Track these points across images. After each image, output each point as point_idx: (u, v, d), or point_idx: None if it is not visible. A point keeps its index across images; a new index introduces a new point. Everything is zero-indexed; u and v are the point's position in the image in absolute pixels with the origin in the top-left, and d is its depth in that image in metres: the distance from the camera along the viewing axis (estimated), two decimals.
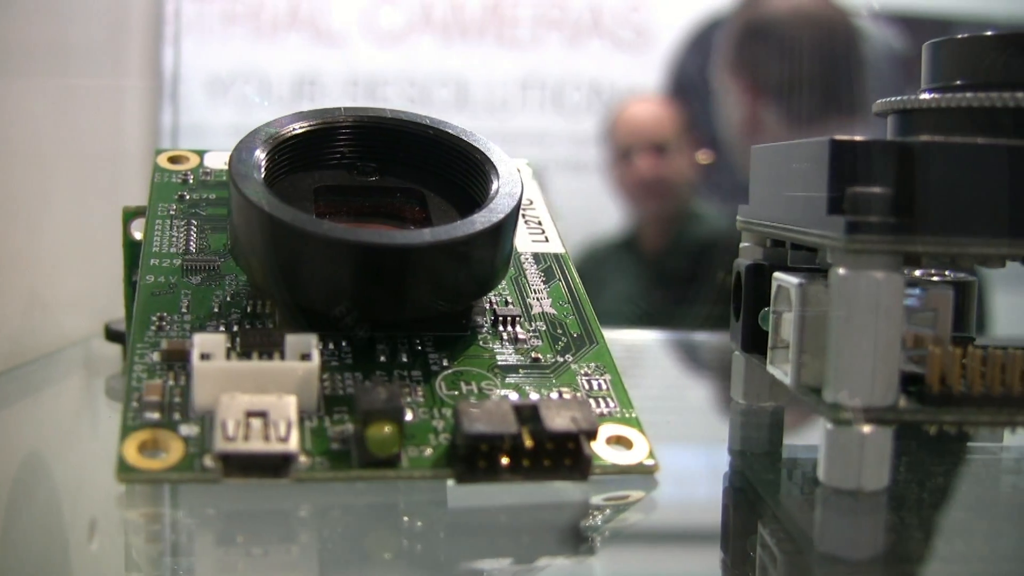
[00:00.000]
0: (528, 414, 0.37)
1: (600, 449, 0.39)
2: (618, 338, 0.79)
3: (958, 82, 0.43)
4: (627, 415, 0.41)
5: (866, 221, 0.36)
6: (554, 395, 0.41)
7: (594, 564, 0.36)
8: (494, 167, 0.44)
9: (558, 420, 0.37)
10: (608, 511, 0.39)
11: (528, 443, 0.37)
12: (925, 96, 0.43)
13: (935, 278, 0.49)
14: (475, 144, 0.45)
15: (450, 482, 0.38)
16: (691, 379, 0.76)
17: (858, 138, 0.38)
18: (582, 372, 0.43)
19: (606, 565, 0.36)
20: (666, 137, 1.56)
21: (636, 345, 0.82)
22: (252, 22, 1.83)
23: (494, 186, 0.43)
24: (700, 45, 1.76)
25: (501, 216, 0.41)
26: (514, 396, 0.41)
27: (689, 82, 1.74)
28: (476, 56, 1.89)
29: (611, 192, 1.61)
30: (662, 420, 0.46)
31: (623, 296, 1.42)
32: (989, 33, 0.43)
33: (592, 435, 0.37)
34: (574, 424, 0.37)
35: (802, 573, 0.36)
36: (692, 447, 0.51)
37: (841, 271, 0.37)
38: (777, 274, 0.41)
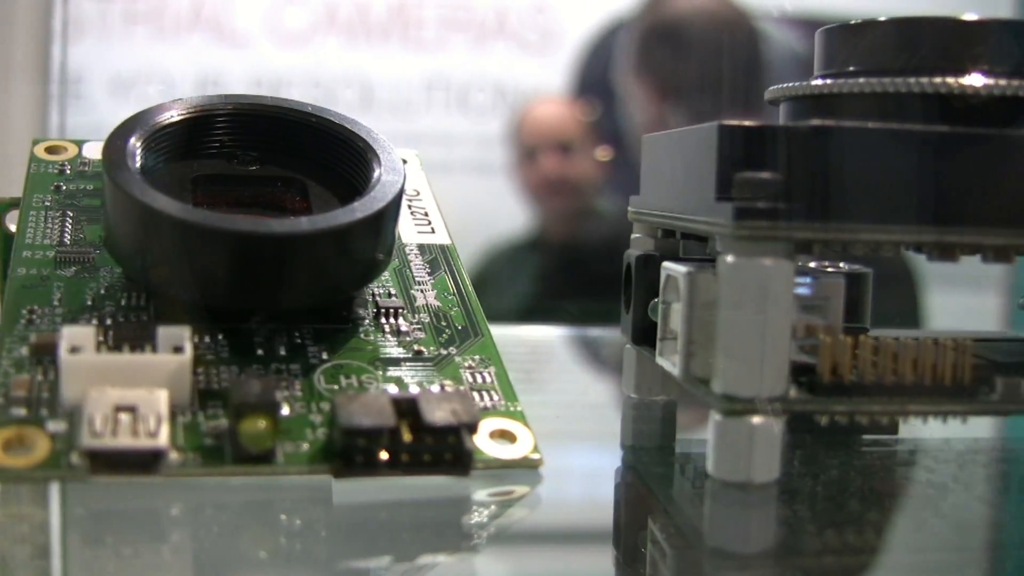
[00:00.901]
0: (407, 407, 0.36)
1: (483, 443, 0.38)
2: (516, 334, 0.79)
3: (851, 68, 0.43)
4: (511, 408, 0.40)
5: (755, 207, 0.36)
6: (435, 388, 0.40)
7: (478, 562, 0.35)
8: (376, 155, 0.43)
9: (438, 413, 0.36)
10: (492, 507, 0.38)
11: (407, 437, 0.36)
12: (817, 82, 0.43)
13: (829, 269, 0.49)
14: (357, 132, 0.44)
15: (328, 477, 0.37)
16: (587, 374, 0.76)
17: (747, 123, 0.37)
18: (466, 365, 0.42)
19: (490, 563, 0.35)
20: (570, 137, 1.57)
21: (533, 340, 0.81)
22: (155, 21, 1.81)
23: (376, 174, 0.42)
24: (605, 47, 1.76)
25: (382, 204, 0.40)
26: (395, 389, 0.40)
27: (594, 83, 1.74)
28: (381, 57, 1.89)
29: (516, 192, 1.61)
30: (553, 415, 0.46)
31: (528, 294, 1.42)
32: (881, 19, 0.43)
33: (473, 428, 0.36)
34: (454, 417, 0.36)
35: (691, 568, 0.35)
36: (584, 442, 0.50)
37: (729, 258, 0.36)
38: (666, 264, 0.40)
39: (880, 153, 0.37)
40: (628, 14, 1.66)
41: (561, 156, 1.55)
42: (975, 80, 0.40)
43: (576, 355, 0.83)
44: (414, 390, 0.40)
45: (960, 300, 1.30)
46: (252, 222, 0.39)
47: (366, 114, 1.79)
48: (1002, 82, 0.40)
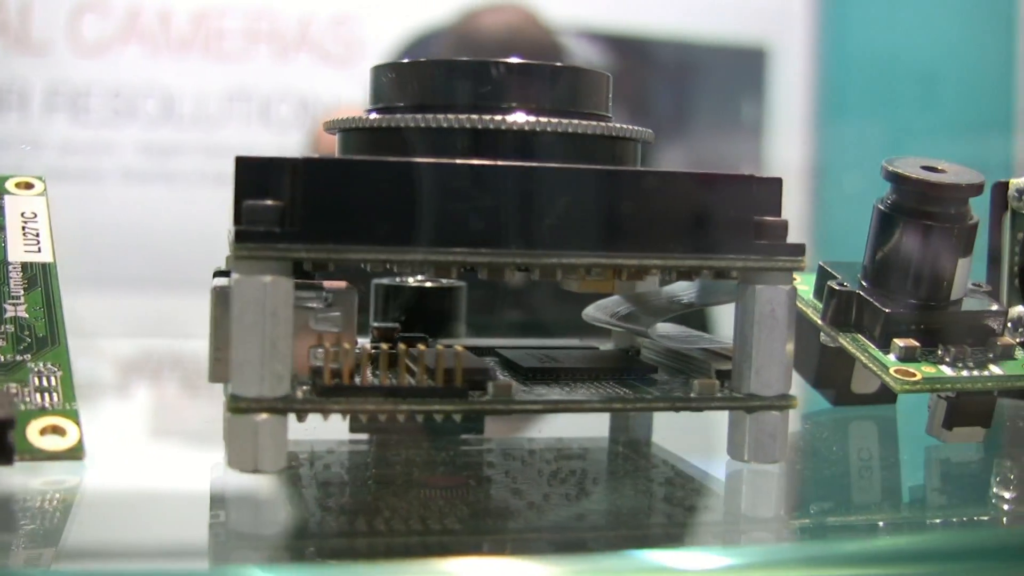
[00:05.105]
0: None
1: (34, 437, 0.43)
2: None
3: (399, 103, 0.48)
4: (67, 407, 0.45)
5: (254, 231, 0.40)
6: None
7: (21, 543, 0.39)
8: None
9: None
10: (43, 494, 0.43)
11: None
12: (373, 116, 0.47)
13: (428, 284, 0.54)
14: None
15: None
16: None
17: (259, 155, 0.42)
18: (36, 370, 0.46)
19: (36, 541, 0.39)
20: None
21: None
22: None
23: None
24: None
25: None
26: None
27: None
28: (182, 68, 1.90)
29: None
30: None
31: None
32: (427, 60, 0.48)
33: (10, 424, 0.41)
34: None
35: (221, 550, 0.39)
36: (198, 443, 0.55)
37: (235, 276, 0.41)
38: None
39: (366, 182, 0.41)
40: (434, 27, 1.70)
41: None
42: (518, 118, 0.46)
43: None
44: None
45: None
46: None
47: (166, 125, 1.82)
48: (532, 119, 0.45)
